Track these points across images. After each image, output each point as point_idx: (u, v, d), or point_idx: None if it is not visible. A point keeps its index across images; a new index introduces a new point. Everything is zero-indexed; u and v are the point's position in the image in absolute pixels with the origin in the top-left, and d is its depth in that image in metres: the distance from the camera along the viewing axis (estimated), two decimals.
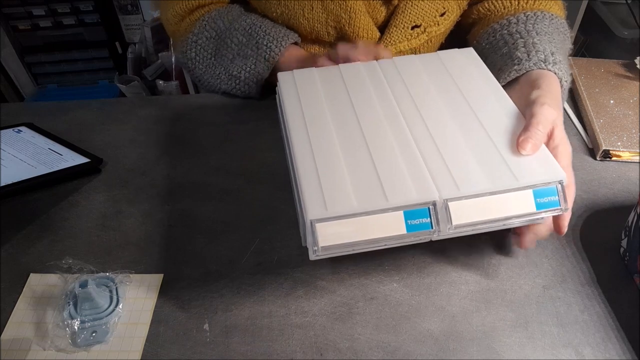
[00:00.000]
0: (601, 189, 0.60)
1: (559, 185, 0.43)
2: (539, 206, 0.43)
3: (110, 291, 0.50)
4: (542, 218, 0.45)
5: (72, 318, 0.47)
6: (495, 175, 0.43)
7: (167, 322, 0.48)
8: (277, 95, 0.57)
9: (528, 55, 0.57)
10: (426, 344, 0.46)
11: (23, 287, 0.52)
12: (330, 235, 0.41)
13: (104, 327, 0.47)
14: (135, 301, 0.50)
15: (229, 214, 0.58)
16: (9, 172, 0.59)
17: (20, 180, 0.58)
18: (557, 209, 0.44)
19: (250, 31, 0.70)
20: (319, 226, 0.41)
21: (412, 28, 0.70)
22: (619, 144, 0.64)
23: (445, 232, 0.43)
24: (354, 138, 0.48)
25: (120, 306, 0.49)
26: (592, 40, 1.58)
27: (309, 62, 0.64)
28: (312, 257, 0.42)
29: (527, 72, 0.57)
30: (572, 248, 0.54)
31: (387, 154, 0.46)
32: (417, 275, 0.52)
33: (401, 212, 0.41)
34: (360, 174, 0.44)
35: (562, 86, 0.57)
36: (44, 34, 1.79)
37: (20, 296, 0.51)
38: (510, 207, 0.43)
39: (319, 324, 0.48)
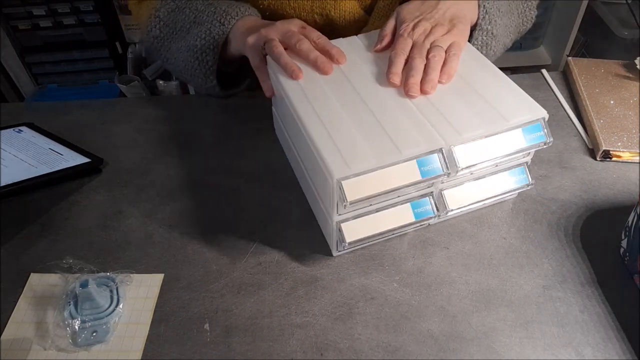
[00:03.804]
0: (601, 189, 0.60)
1: (542, 121, 0.50)
2: (528, 141, 0.50)
3: (111, 291, 0.50)
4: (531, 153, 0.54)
5: (72, 318, 0.47)
6: (489, 120, 0.49)
7: (167, 322, 0.48)
8: (271, 78, 0.59)
9: None
10: (426, 344, 0.46)
11: (23, 287, 0.52)
12: (355, 190, 0.45)
13: (104, 326, 0.47)
14: (135, 301, 0.50)
15: (229, 214, 0.58)
16: (9, 172, 0.59)
17: (20, 180, 0.58)
18: (542, 143, 0.50)
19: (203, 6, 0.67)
20: (344, 183, 0.44)
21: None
22: (619, 144, 0.64)
23: (455, 174, 0.48)
24: (355, 103, 0.52)
25: (121, 306, 0.49)
26: (592, 40, 1.58)
27: (260, 27, 0.62)
28: (342, 212, 0.48)
29: None
30: (572, 248, 0.54)
31: (389, 112, 0.50)
32: (417, 275, 0.52)
33: (414, 161, 0.46)
34: (369, 133, 0.48)
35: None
36: (44, 34, 1.78)
37: (21, 296, 0.51)
38: (506, 146, 0.49)
39: (319, 324, 0.48)
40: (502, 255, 0.53)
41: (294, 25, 0.62)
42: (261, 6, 0.71)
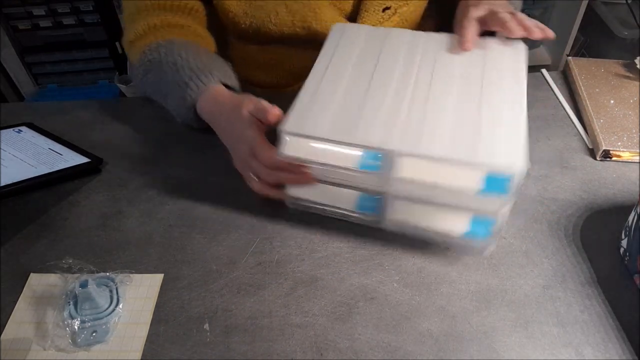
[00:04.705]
0: (601, 189, 0.60)
1: (514, 177, 0.43)
2: (485, 188, 0.44)
3: (111, 291, 0.50)
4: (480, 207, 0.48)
5: (72, 318, 0.47)
6: (457, 146, 0.45)
7: (167, 322, 0.48)
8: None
9: None
10: (426, 344, 0.46)
11: (23, 287, 0.52)
12: (296, 148, 0.48)
13: (104, 327, 0.47)
14: (135, 301, 0.50)
15: (229, 214, 0.58)
16: (9, 172, 0.59)
17: (20, 180, 0.58)
18: (501, 198, 0.44)
19: (176, 68, 0.63)
20: (289, 138, 0.48)
21: (383, 10, 0.71)
22: (619, 144, 0.63)
23: (388, 180, 0.47)
24: (360, 85, 0.53)
25: (121, 306, 0.49)
26: (592, 40, 1.58)
27: (232, 105, 0.59)
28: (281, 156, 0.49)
29: None
30: (572, 248, 0.54)
31: (378, 100, 0.50)
32: (417, 275, 0.52)
33: (360, 150, 0.48)
34: (347, 109, 0.49)
35: None
36: (44, 34, 1.78)
37: (21, 296, 0.51)
38: (457, 180, 0.45)
39: (319, 324, 0.48)
40: (502, 255, 0.53)
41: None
42: (243, 25, 0.71)
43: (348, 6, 0.72)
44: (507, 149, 0.44)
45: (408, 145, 0.45)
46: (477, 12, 0.60)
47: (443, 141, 0.46)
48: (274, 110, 0.53)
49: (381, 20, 0.72)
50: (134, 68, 0.69)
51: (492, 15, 0.60)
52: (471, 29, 0.59)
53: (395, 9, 0.72)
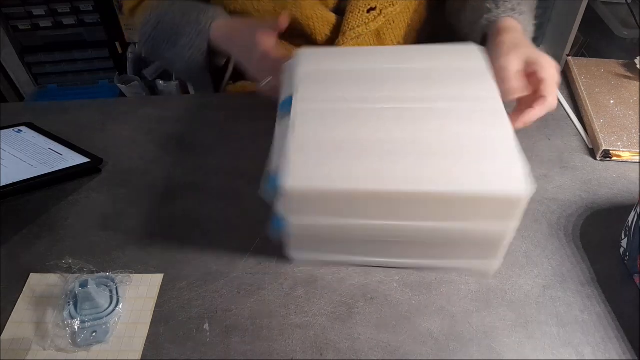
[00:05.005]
0: (601, 189, 0.60)
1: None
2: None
3: (111, 291, 0.50)
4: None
5: (72, 318, 0.47)
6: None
7: (167, 322, 0.48)
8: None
9: (497, 5, 0.62)
10: (426, 344, 0.46)
11: (23, 287, 0.52)
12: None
13: (104, 327, 0.47)
14: (135, 301, 0.50)
15: (229, 214, 0.58)
16: (9, 172, 0.59)
17: (20, 180, 0.58)
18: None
19: (183, 9, 0.70)
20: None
21: (368, 11, 0.71)
22: (619, 144, 0.63)
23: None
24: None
25: (121, 306, 0.49)
26: (592, 40, 1.58)
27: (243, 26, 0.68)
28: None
29: (495, 20, 0.61)
30: (572, 248, 0.54)
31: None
32: (417, 275, 0.52)
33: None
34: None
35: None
36: (44, 34, 1.78)
37: (21, 296, 0.51)
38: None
39: (319, 324, 0.48)
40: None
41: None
42: (227, 11, 0.73)
43: (332, 5, 0.72)
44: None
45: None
46: (517, 64, 0.55)
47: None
48: (282, 17, 0.63)
49: (366, 21, 0.71)
50: (142, 27, 0.73)
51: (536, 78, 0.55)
52: (517, 81, 0.54)
53: (381, 10, 0.71)
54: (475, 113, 0.49)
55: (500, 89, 0.51)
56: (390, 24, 0.74)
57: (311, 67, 0.55)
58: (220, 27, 0.68)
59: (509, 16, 0.61)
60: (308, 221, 0.46)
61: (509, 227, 0.45)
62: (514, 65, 0.54)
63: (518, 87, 0.54)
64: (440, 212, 0.44)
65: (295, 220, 0.46)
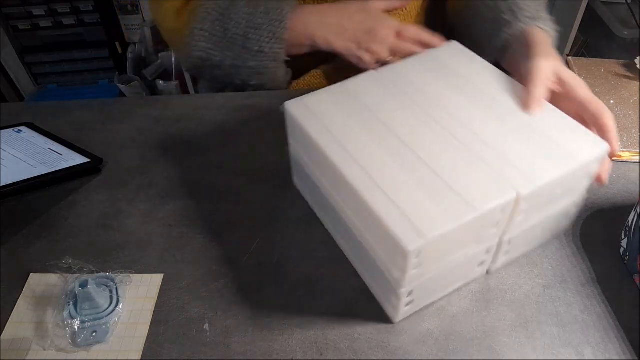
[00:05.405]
0: (601, 189, 0.60)
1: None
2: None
3: (111, 291, 0.50)
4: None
5: (72, 318, 0.47)
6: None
7: (167, 322, 0.48)
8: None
9: (514, 15, 0.60)
10: (426, 344, 0.46)
11: (23, 287, 0.52)
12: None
13: (104, 327, 0.47)
14: (135, 301, 0.50)
15: (229, 214, 0.58)
16: (9, 172, 0.59)
17: (20, 180, 0.58)
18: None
19: (251, 4, 0.65)
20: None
21: None
22: (619, 144, 0.63)
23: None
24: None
25: (121, 306, 0.49)
26: (592, 40, 1.58)
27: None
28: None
29: (519, 34, 0.59)
30: (572, 248, 0.54)
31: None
32: None
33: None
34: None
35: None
36: (44, 34, 1.79)
37: (20, 296, 0.51)
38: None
39: (319, 324, 0.48)
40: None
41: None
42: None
43: None
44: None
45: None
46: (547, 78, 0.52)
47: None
48: None
49: None
50: (192, 32, 0.66)
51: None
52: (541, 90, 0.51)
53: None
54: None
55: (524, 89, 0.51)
56: (404, 13, 0.74)
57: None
58: (301, 12, 0.65)
59: (533, 27, 0.58)
60: None
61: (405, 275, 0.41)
62: (546, 71, 0.52)
63: (540, 95, 0.50)
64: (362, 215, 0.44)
65: None
